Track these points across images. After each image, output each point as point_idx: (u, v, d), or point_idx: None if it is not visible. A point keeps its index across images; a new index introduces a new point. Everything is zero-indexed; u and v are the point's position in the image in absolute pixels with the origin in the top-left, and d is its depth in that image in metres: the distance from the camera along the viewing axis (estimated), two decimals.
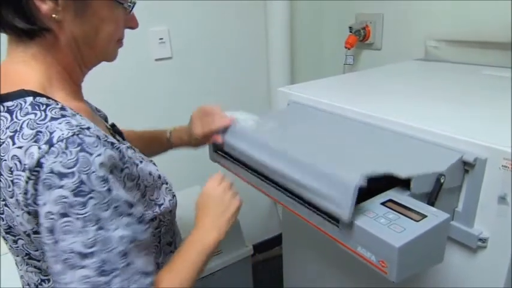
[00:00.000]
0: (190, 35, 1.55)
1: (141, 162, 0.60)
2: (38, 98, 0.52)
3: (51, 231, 0.47)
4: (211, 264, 1.31)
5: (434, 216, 0.53)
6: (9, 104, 0.51)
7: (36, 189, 0.47)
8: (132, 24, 0.64)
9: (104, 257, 0.47)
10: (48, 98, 0.53)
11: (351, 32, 1.57)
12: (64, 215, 0.47)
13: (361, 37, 1.57)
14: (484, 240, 0.64)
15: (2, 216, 0.53)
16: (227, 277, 1.36)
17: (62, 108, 0.52)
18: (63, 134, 0.48)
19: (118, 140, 0.68)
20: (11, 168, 0.49)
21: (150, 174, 0.60)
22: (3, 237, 0.57)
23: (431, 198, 0.60)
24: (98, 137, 0.50)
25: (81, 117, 0.54)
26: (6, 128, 0.50)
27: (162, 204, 0.62)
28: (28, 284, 0.62)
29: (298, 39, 1.79)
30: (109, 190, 0.49)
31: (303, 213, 0.64)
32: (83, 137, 0.48)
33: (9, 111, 0.51)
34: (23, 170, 0.47)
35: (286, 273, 1.22)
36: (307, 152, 0.66)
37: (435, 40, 1.34)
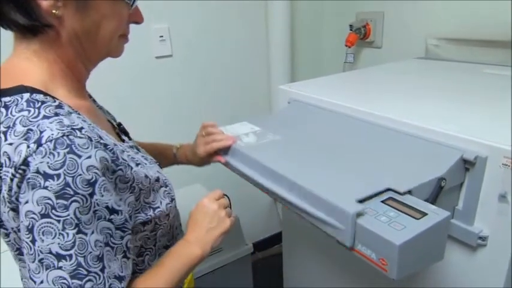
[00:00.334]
0: (190, 33, 1.54)
1: (137, 165, 0.59)
2: (34, 94, 0.51)
3: (30, 230, 0.47)
4: (211, 262, 1.31)
5: (435, 214, 0.52)
6: (6, 99, 0.51)
7: (19, 187, 0.47)
8: (137, 19, 0.63)
9: (80, 260, 0.48)
10: (46, 95, 0.52)
11: (351, 30, 1.56)
12: (45, 215, 0.47)
13: (361, 35, 1.57)
14: (484, 239, 0.64)
15: None
16: (227, 275, 1.36)
17: (58, 106, 0.52)
18: (52, 134, 0.47)
19: (123, 140, 0.68)
20: (1, 164, 0.49)
21: (146, 177, 0.60)
22: None
23: (431, 201, 0.60)
24: (90, 139, 0.50)
25: (78, 116, 0.53)
26: (0, 123, 0.50)
27: (157, 207, 0.62)
28: (22, 279, 0.63)
29: (299, 37, 1.79)
30: (92, 194, 0.48)
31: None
32: (72, 138, 0.48)
33: (6, 107, 0.51)
34: (11, 167, 0.48)
35: (286, 271, 1.22)
36: (306, 167, 0.68)
37: (436, 38, 1.33)
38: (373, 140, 0.75)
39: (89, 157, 0.48)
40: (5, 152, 0.48)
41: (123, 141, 0.68)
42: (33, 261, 0.48)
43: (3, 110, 0.51)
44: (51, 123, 0.49)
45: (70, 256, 0.47)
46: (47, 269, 0.47)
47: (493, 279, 0.64)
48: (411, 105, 0.83)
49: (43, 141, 0.47)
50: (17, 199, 0.48)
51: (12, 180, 0.48)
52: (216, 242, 0.67)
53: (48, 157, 0.46)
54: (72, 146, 0.48)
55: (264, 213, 2.03)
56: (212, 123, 0.87)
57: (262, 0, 1.64)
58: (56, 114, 0.50)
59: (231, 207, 1.47)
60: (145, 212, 0.60)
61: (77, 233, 0.48)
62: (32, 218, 0.47)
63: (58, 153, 0.47)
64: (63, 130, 0.48)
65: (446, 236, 0.55)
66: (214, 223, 0.67)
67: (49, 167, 0.46)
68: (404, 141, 0.70)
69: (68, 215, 0.47)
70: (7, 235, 0.55)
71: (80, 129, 0.50)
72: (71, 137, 0.48)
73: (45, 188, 0.46)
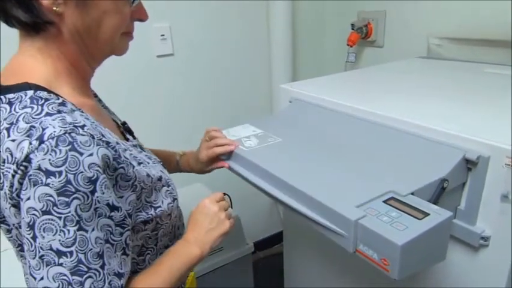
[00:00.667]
0: (192, 31, 1.54)
1: (139, 164, 0.59)
2: (38, 92, 0.52)
3: (31, 226, 0.47)
4: (212, 261, 1.31)
5: (437, 214, 0.52)
6: (11, 95, 0.52)
7: (21, 184, 0.48)
8: (141, 16, 0.62)
9: (80, 257, 0.48)
10: (50, 92, 0.53)
11: (353, 29, 1.56)
12: (46, 212, 0.47)
13: (363, 34, 1.56)
14: (486, 239, 0.63)
15: None
16: (228, 275, 1.36)
17: (61, 104, 0.52)
18: (54, 132, 0.48)
19: (127, 139, 0.68)
20: (3, 160, 0.49)
21: (148, 176, 0.60)
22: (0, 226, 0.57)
23: (433, 202, 0.60)
24: (92, 136, 0.50)
25: (81, 113, 0.53)
26: (4, 120, 0.50)
27: (159, 206, 0.62)
28: (24, 275, 0.63)
29: (300, 36, 1.79)
30: (93, 191, 0.49)
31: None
32: (74, 136, 0.48)
33: (10, 103, 0.51)
34: (13, 163, 0.48)
35: (287, 271, 1.22)
36: (308, 170, 0.68)
37: (438, 38, 1.33)
38: (375, 140, 0.75)
39: (91, 155, 0.49)
40: (8, 148, 0.49)
41: (127, 140, 0.68)
42: (34, 258, 0.48)
43: (7, 106, 0.51)
44: (53, 120, 0.49)
45: (71, 253, 0.47)
46: (47, 265, 0.47)
47: (495, 279, 0.64)
48: (413, 104, 0.82)
49: (45, 138, 0.47)
50: (18, 195, 0.48)
51: (13, 176, 0.48)
52: (215, 243, 0.67)
53: (50, 154, 0.46)
54: (74, 143, 0.48)
55: (264, 212, 2.03)
56: (215, 128, 0.86)
57: (264, 0, 1.64)
58: (59, 112, 0.50)
59: (232, 207, 1.47)
60: (146, 211, 0.60)
61: (78, 230, 0.48)
62: (33, 214, 0.47)
63: (60, 150, 0.47)
64: (65, 127, 0.48)
65: (448, 236, 0.55)
66: (214, 224, 0.67)
67: (51, 164, 0.46)
68: (406, 141, 0.70)
69: (69, 212, 0.47)
70: (9, 231, 0.56)
71: (82, 126, 0.50)
72: (73, 134, 0.48)
73: (47, 185, 0.46)
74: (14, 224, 0.53)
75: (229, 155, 0.81)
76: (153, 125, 1.55)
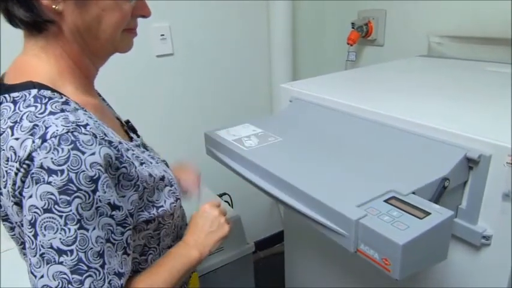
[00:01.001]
0: (192, 31, 1.54)
1: (141, 163, 0.60)
2: (42, 90, 0.52)
3: (33, 224, 0.48)
4: (213, 261, 1.30)
5: (438, 213, 0.52)
6: (15, 94, 0.52)
7: (23, 182, 0.48)
8: (143, 12, 0.62)
9: (81, 256, 0.48)
10: (53, 91, 0.53)
11: (353, 28, 1.56)
12: (48, 210, 0.47)
13: (363, 33, 1.56)
14: (487, 238, 0.63)
15: (0, 203, 0.54)
16: (228, 274, 1.36)
17: (65, 103, 0.52)
18: (57, 130, 0.48)
19: (131, 138, 0.68)
20: (7, 158, 0.49)
21: (150, 175, 0.60)
22: (3, 224, 0.58)
23: (434, 201, 0.60)
24: (94, 135, 0.50)
25: (84, 112, 0.54)
26: (8, 118, 0.51)
27: (161, 206, 0.62)
28: (28, 273, 0.63)
29: (300, 35, 1.78)
30: (95, 190, 0.49)
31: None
32: (77, 135, 0.49)
33: (14, 102, 0.52)
34: (16, 162, 0.48)
35: (288, 270, 1.21)
36: (308, 169, 0.68)
37: (438, 36, 1.33)
38: (376, 139, 0.74)
39: (93, 154, 0.49)
40: (11, 146, 0.49)
41: (131, 138, 0.68)
42: (35, 256, 0.48)
43: (11, 105, 0.52)
44: (56, 119, 0.49)
45: (71, 251, 0.48)
46: (47, 263, 0.47)
47: (497, 278, 0.64)
48: (414, 103, 0.82)
49: (48, 137, 0.47)
50: (20, 193, 0.49)
51: (16, 174, 0.48)
52: (214, 246, 0.69)
53: (53, 153, 0.47)
54: (77, 142, 0.48)
55: (265, 212, 2.03)
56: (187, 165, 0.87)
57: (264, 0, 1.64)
58: (62, 111, 0.51)
59: (232, 206, 1.47)
60: (148, 211, 0.60)
61: (79, 228, 0.48)
62: (35, 212, 0.47)
63: (62, 149, 0.47)
64: (68, 126, 0.49)
65: (449, 235, 0.54)
66: (215, 227, 0.70)
67: (53, 162, 0.47)
68: (407, 140, 0.70)
69: (70, 210, 0.47)
70: (12, 229, 0.56)
71: (85, 125, 0.50)
72: (75, 133, 0.48)
73: (49, 183, 0.47)
74: (16, 222, 0.53)
75: (230, 153, 0.81)
76: (152, 125, 1.55)
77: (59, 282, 0.47)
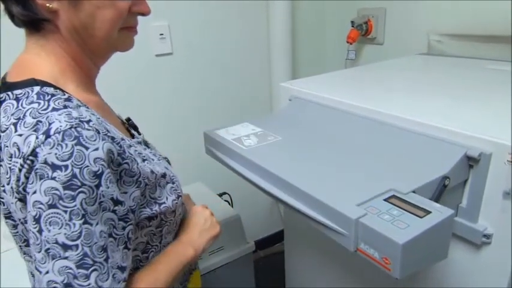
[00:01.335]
0: (191, 30, 1.54)
1: (143, 160, 0.60)
2: (45, 87, 0.53)
3: (37, 220, 0.48)
4: (213, 260, 1.30)
5: (439, 212, 0.52)
6: (17, 91, 0.53)
7: (27, 178, 0.48)
8: (141, 9, 0.61)
9: (86, 250, 0.48)
10: (56, 88, 0.53)
11: (353, 26, 1.55)
12: (52, 206, 0.47)
13: (363, 32, 1.56)
14: (488, 236, 0.63)
15: (3, 201, 0.55)
16: (229, 274, 1.36)
17: (67, 100, 0.53)
18: (61, 126, 0.48)
19: (132, 135, 0.69)
20: (11, 154, 0.49)
21: (152, 172, 0.60)
22: (5, 222, 0.58)
23: (434, 200, 0.60)
24: (97, 131, 0.51)
25: (86, 109, 0.54)
26: (11, 115, 0.51)
27: (163, 203, 0.62)
28: (29, 272, 0.63)
29: (300, 33, 1.78)
30: (98, 185, 0.49)
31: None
32: (80, 130, 0.49)
33: (17, 99, 0.52)
34: (20, 158, 0.48)
35: (288, 269, 1.21)
36: (308, 168, 0.68)
37: (438, 34, 1.32)
38: (375, 138, 0.74)
39: (96, 149, 0.49)
40: (15, 142, 0.49)
41: (133, 136, 0.68)
42: (40, 251, 0.48)
43: (14, 102, 0.52)
44: (59, 115, 0.49)
45: (76, 246, 0.48)
46: (53, 258, 0.47)
47: (498, 277, 0.64)
48: (414, 102, 0.82)
49: (51, 132, 0.48)
50: (24, 189, 0.49)
51: (20, 170, 0.48)
52: (207, 245, 0.71)
53: (56, 148, 0.47)
54: (80, 138, 0.48)
55: (265, 211, 2.03)
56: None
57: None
58: (65, 107, 0.51)
59: (232, 206, 1.48)
60: (150, 207, 0.60)
61: (83, 223, 0.48)
62: (40, 208, 0.47)
63: (66, 144, 0.47)
64: (71, 122, 0.49)
65: (450, 234, 0.54)
66: (208, 225, 0.72)
67: (57, 158, 0.47)
68: (407, 139, 0.70)
69: (75, 205, 0.47)
70: (15, 226, 0.56)
71: (88, 121, 0.51)
72: (78, 129, 0.49)
73: (53, 178, 0.47)
74: (20, 219, 0.53)
75: (229, 152, 0.81)
76: (152, 124, 1.55)
77: (64, 277, 0.47)
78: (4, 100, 0.53)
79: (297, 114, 0.92)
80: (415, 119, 0.70)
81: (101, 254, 0.49)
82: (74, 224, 0.47)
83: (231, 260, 1.35)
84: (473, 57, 1.19)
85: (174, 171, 0.68)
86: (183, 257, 0.65)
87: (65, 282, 0.47)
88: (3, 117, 0.52)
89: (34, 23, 0.54)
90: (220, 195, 1.55)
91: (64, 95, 0.53)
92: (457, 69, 1.09)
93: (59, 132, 0.48)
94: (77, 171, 0.47)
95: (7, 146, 0.50)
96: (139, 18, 0.62)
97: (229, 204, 1.54)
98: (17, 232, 0.57)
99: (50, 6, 0.52)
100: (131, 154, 0.57)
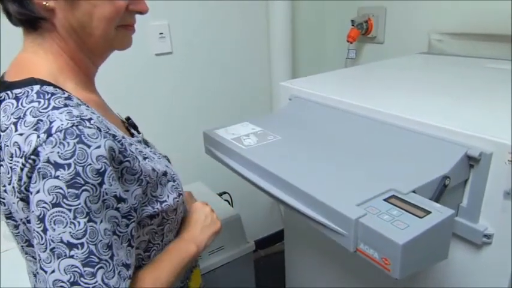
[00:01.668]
0: (191, 29, 1.53)
1: (144, 158, 0.60)
2: (44, 86, 0.52)
3: (42, 219, 0.47)
4: (213, 260, 1.30)
5: (439, 212, 0.51)
6: (17, 91, 0.52)
7: (29, 177, 0.48)
8: (138, 8, 0.60)
9: (91, 248, 0.48)
10: (55, 87, 0.53)
11: (353, 25, 1.55)
12: (56, 205, 0.47)
13: (363, 31, 1.55)
14: (489, 236, 0.63)
15: (3, 201, 0.54)
16: (229, 273, 1.36)
17: (67, 98, 0.52)
18: (62, 125, 0.48)
19: (132, 134, 0.69)
20: (12, 154, 0.49)
21: (153, 170, 0.60)
22: (6, 222, 0.57)
23: (435, 199, 0.59)
24: (99, 129, 0.50)
25: (87, 107, 0.54)
26: (11, 114, 0.51)
27: (165, 201, 0.62)
28: (29, 273, 0.63)
29: (300, 32, 1.78)
30: (102, 183, 0.49)
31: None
32: (82, 129, 0.49)
33: (17, 98, 0.52)
34: (21, 157, 0.48)
35: (288, 269, 1.21)
36: (307, 168, 0.68)
37: (439, 33, 1.32)
38: (376, 137, 0.74)
39: (98, 147, 0.49)
40: (16, 142, 0.49)
41: (132, 135, 0.68)
42: (45, 251, 0.48)
43: (13, 101, 0.52)
44: (60, 113, 0.49)
45: (82, 244, 0.48)
46: (58, 258, 0.47)
47: (498, 277, 0.64)
48: (414, 101, 0.82)
49: (53, 131, 0.47)
50: (26, 189, 0.49)
51: (22, 170, 0.48)
52: (209, 241, 0.71)
53: (59, 147, 0.47)
54: (82, 136, 0.48)
55: (265, 211, 2.03)
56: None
57: None
58: (66, 105, 0.51)
59: (232, 205, 1.47)
60: (152, 205, 0.60)
61: (88, 221, 0.48)
62: (44, 207, 0.47)
63: (68, 143, 0.47)
64: (72, 120, 0.49)
65: (450, 234, 0.54)
66: (209, 222, 0.72)
67: (59, 156, 0.47)
68: (407, 138, 0.70)
69: (79, 204, 0.47)
70: (16, 227, 0.56)
71: (89, 119, 0.50)
72: (80, 127, 0.49)
73: (56, 177, 0.46)
74: (21, 219, 0.53)
75: (228, 152, 0.80)
76: (151, 123, 1.55)
77: (70, 276, 0.47)
78: (3, 99, 0.53)
79: (297, 113, 0.92)
80: (415, 119, 0.70)
81: (106, 251, 0.49)
82: (79, 223, 0.47)
83: (231, 259, 1.35)
84: (473, 56, 1.18)
85: (174, 170, 0.68)
86: (186, 254, 0.65)
87: (71, 281, 0.47)
88: (3, 116, 0.52)
89: (31, 21, 0.54)
90: (220, 194, 1.55)
91: (64, 93, 0.53)
92: (458, 68, 1.08)
93: (60, 131, 0.47)
94: (80, 169, 0.47)
95: (7, 146, 0.50)
96: (139, 17, 0.62)
97: (229, 203, 1.54)
98: (19, 232, 0.56)
99: (47, 4, 0.52)
100: (132, 152, 0.57)
